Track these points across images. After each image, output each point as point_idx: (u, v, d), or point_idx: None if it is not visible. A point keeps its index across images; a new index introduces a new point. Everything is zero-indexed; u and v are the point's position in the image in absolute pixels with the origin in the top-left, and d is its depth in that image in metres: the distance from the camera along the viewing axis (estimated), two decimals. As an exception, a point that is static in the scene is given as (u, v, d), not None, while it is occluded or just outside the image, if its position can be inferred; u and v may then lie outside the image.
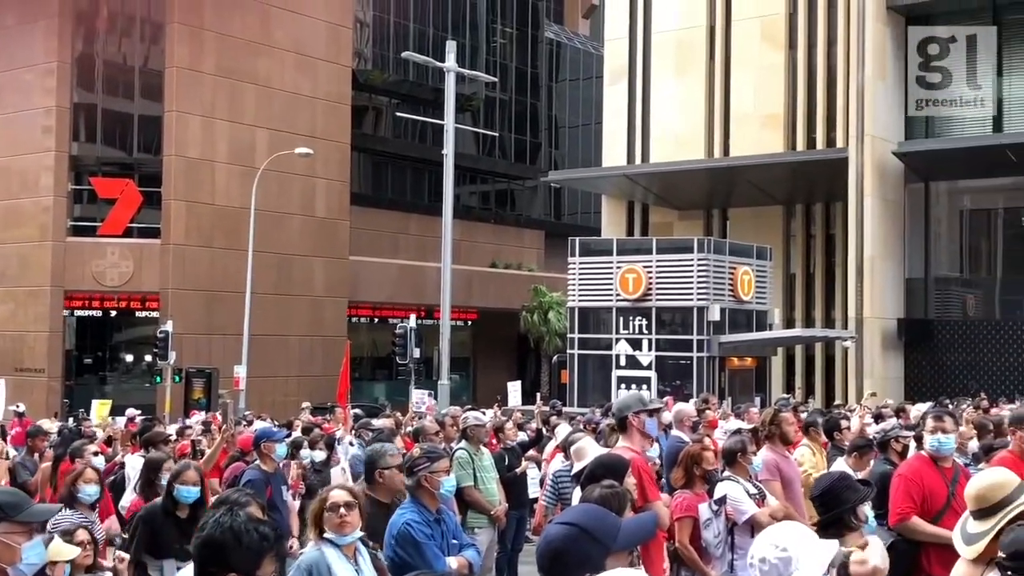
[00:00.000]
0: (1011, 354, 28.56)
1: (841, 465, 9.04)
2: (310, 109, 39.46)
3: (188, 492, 6.71)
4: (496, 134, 50.01)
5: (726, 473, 7.52)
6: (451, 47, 26.66)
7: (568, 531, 3.12)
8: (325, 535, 5.15)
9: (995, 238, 33.76)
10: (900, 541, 6.53)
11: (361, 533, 5.26)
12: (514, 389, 17.73)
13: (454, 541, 5.98)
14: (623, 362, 26.39)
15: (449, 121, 25.89)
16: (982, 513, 4.11)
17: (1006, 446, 7.60)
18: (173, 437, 13.35)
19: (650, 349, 26.21)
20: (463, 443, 9.71)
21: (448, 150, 25.80)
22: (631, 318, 26.53)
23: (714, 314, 25.70)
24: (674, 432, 10.10)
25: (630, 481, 5.62)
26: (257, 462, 8.64)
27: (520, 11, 55.32)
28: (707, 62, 33.43)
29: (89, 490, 7.17)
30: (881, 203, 29.24)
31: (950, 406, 16.84)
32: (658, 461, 9.07)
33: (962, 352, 29.37)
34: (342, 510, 5.20)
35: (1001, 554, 3.48)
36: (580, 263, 27.66)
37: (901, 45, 30.43)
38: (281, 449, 8.75)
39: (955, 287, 31.90)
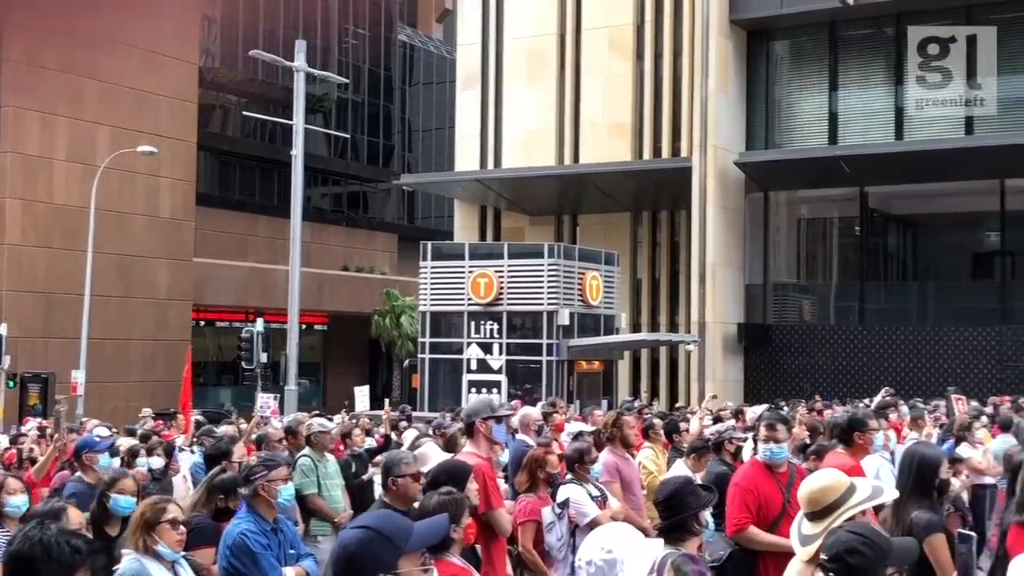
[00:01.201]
0: (844, 357, 29.76)
1: (680, 466, 9.28)
2: (155, 107, 38.31)
3: (127, 503, 6.01)
4: (348, 136, 49.64)
5: (568, 476, 7.64)
6: (301, 46, 26.29)
7: (361, 534, 3.18)
8: (158, 547, 5.00)
9: (830, 246, 35.18)
10: (738, 551, 6.70)
11: None
12: (361, 394, 17.54)
13: (292, 551, 5.90)
14: (474, 366, 26.49)
15: (298, 121, 25.54)
16: (815, 515, 4.23)
17: (824, 448, 7.95)
18: (4, 445, 12.80)
19: (501, 353, 26.39)
20: (307, 450, 9.59)
21: (297, 151, 25.44)
22: (482, 322, 26.66)
23: (563, 318, 26.04)
24: (519, 436, 10.18)
25: (472, 487, 5.64)
26: (79, 473, 8.30)
27: (373, 13, 54.99)
28: (558, 70, 33.88)
29: (15, 501, 6.40)
30: (723, 211, 30.12)
31: (785, 408, 17.46)
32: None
33: (798, 356, 30.48)
34: (183, 527, 5.09)
35: (823, 556, 3.59)
36: (432, 267, 27.66)
37: (743, 58, 31.42)
38: (104, 460, 8.40)
39: (792, 293, 33.08)
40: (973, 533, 5.23)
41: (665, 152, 32.28)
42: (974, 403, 16.72)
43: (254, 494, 5.85)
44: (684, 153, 31.21)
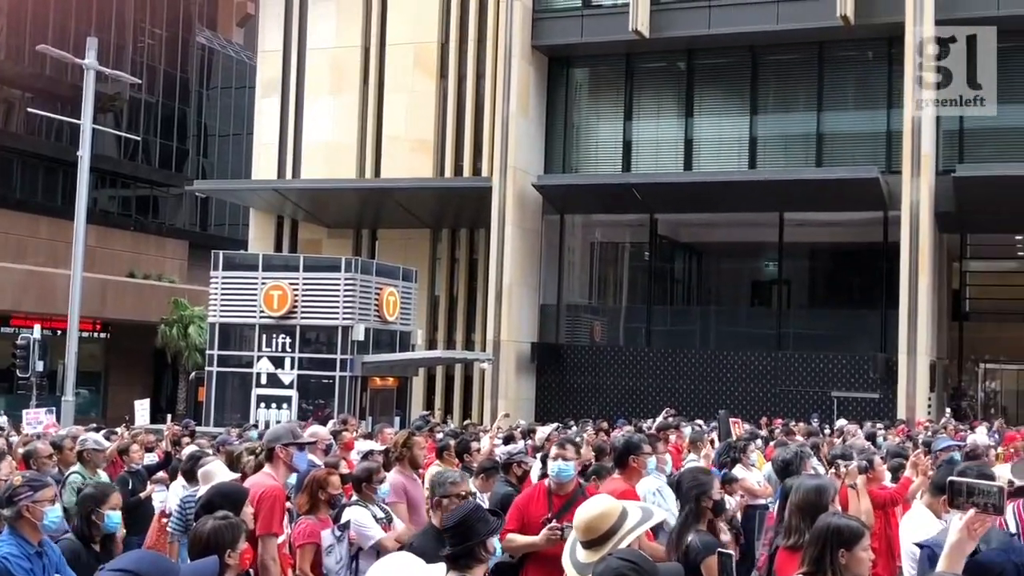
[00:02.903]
0: (631, 378, 30.61)
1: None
2: (-71, 97, 35.98)
3: (118, 518, 5.79)
4: (139, 138, 47.88)
5: (354, 497, 7.55)
6: (92, 44, 25.25)
7: None
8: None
9: (621, 270, 36.20)
10: (502, 562, 6.82)
11: None
12: (142, 407, 16.90)
13: (57, 575, 5.60)
14: (264, 380, 25.91)
15: (86, 121, 24.51)
16: (591, 543, 4.24)
17: (603, 468, 8.17)
18: None
19: (292, 368, 25.91)
20: (78, 466, 9.15)
21: (84, 151, 24.39)
22: (274, 336, 26.13)
23: (358, 334, 25.82)
24: (307, 455, 10.02)
25: (247, 511, 5.50)
26: None
27: (171, 13, 53.30)
28: (361, 83, 33.69)
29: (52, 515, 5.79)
30: (520, 232, 30.58)
31: (573, 427, 17.85)
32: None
33: (588, 375, 31.18)
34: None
35: None
36: (223, 277, 26.90)
37: (544, 82, 32.04)
38: None
39: (584, 314, 33.82)
40: (731, 551, 5.46)
41: (466, 171, 32.55)
42: (747, 426, 17.50)
43: (17, 516, 5.53)
44: (485, 173, 31.56)
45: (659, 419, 17.98)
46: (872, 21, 27.22)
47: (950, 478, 3.43)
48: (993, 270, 32.57)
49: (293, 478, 8.68)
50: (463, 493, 5.81)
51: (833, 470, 10.27)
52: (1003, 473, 6.98)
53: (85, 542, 5.86)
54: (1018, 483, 6.22)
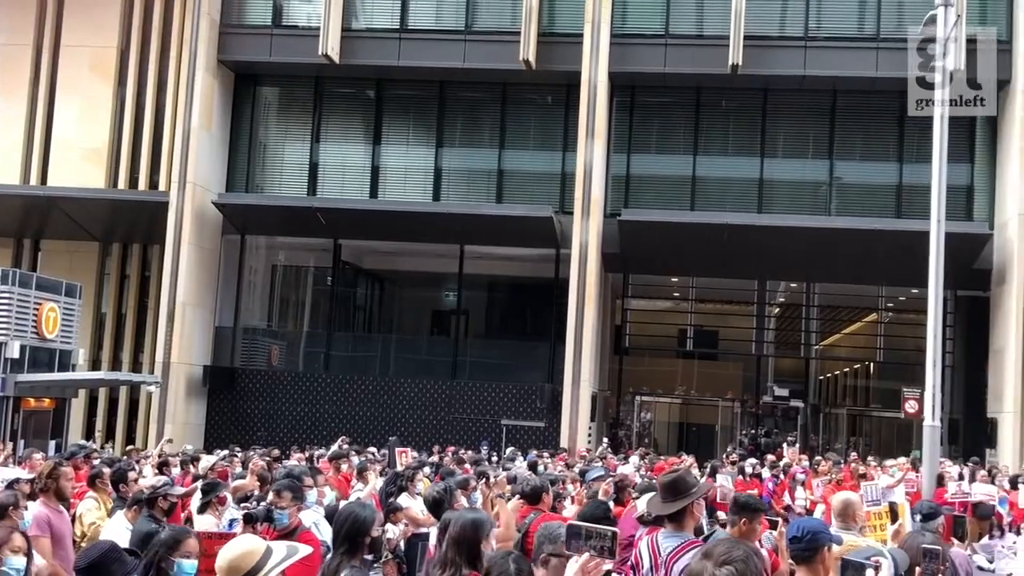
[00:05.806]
0: (308, 404, 30.30)
1: (119, 519, 8.93)
2: None
3: (191, 568, 4.93)
4: None
5: (-12, 532, 7.03)
6: None
7: None
8: None
9: (304, 294, 35.85)
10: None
11: None
12: None
13: None
14: (-101, 399, 23.62)
15: None
16: None
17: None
18: None
19: (-66, 386, 23.78)
20: None
21: None
22: (-86, 350, 23.89)
23: (13, 351, 24.07)
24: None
25: None
26: None
27: None
28: (31, 83, 31.65)
29: (16, 563, 5.13)
30: (198, 251, 29.64)
31: (239, 454, 17.48)
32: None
33: (263, 401, 30.55)
34: None
35: None
36: None
37: (229, 98, 31.31)
38: None
39: (262, 337, 33.18)
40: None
41: (142, 184, 31.21)
42: (414, 454, 17.77)
43: None
44: (162, 187, 30.39)
45: (334, 447, 17.96)
46: (552, 68, 28.57)
47: (569, 522, 3.64)
48: (651, 308, 34.78)
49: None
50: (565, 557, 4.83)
51: (484, 481, 10.64)
52: (640, 506, 7.47)
53: None
54: (655, 514, 6.68)
